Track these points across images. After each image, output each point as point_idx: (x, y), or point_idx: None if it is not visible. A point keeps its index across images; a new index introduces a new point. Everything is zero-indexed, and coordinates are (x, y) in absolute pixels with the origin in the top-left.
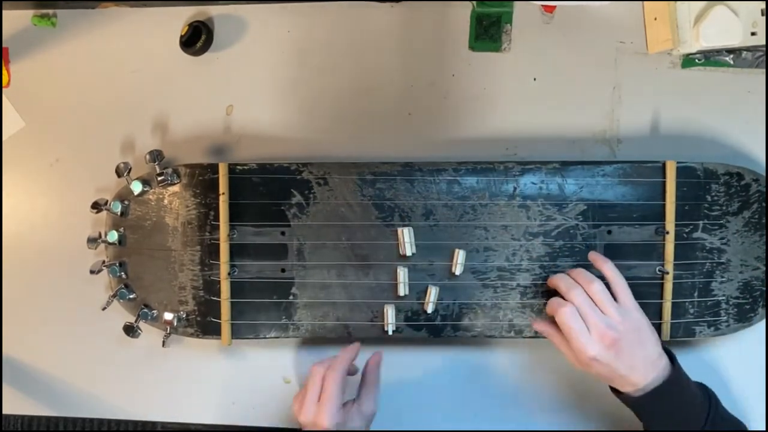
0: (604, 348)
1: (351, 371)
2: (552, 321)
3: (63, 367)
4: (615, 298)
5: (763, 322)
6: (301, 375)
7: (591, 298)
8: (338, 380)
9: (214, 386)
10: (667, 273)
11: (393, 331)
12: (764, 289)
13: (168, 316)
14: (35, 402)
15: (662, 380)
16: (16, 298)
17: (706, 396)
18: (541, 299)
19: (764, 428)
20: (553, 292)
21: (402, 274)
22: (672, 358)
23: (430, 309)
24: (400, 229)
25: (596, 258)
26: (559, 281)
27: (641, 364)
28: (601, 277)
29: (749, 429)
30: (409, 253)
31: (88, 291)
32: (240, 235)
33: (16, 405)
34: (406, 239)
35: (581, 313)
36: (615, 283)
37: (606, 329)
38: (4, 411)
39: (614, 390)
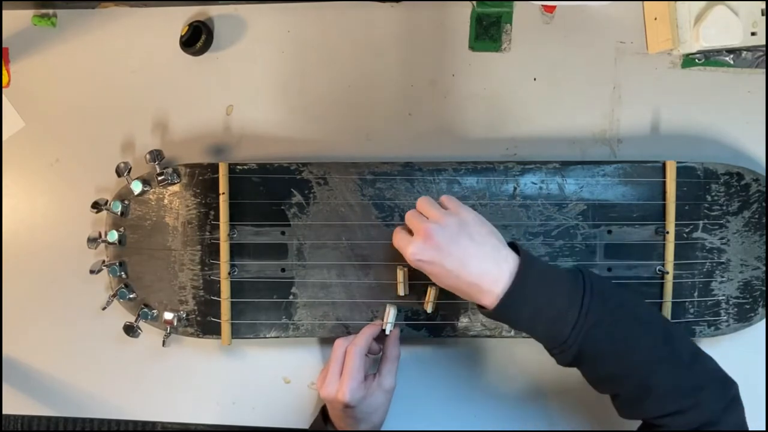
0: (421, 242)
1: (374, 351)
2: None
3: (63, 367)
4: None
5: (763, 322)
6: (301, 375)
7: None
8: (359, 355)
9: (214, 386)
10: (667, 273)
11: (390, 332)
12: (764, 288)
13: (168, 315)
14: (35, 402)
15: (510, 282)
16: (16, 298)
17: (579, 280)
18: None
19: (764, 428)
20: None
21: (402, 273)
22: (517, 250)
23: (430, 308)
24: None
25: (419, 202)
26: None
27: (475, 257)
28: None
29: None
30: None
31: (88, 291)
32: (240, 235)
33: (16, 405)
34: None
35: (410, 225)
36: (443, 198)
37: (421, 225)
38: (4, 411)
39: (480, 308)
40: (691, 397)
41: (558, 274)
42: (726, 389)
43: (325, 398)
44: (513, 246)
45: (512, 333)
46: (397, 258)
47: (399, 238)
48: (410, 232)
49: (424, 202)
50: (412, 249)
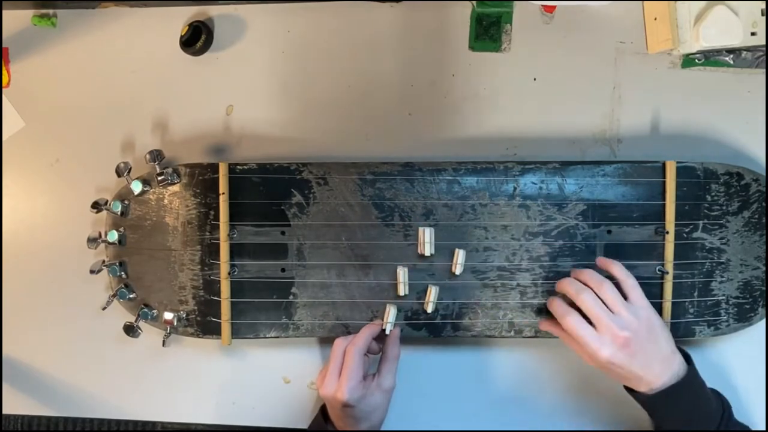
0: (618, 349)
1: (374, 350)
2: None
3: (63, 367)
4: (625, 298)
5: (763, 321)
6: (301, 375)
7: (601, 300)
8: (358, 355)
9: (214, 386)
10: (667, 273)
11: (391, 331)
12: (764, 288)
13: (168, 315)
14: (35, 402)
15: (677, 379)
16: (16, 298)
17: (720, 401)
18: (542, 299)
19: (764, 428)
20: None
21: (402, 273)
22: (687, 359)
23: (430, 308)
24: (421, 229)
25: (605, 262)
26: (568, 286)
27: (656, 363)
28: (611, 278)
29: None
30: (428, 253)
31: (88, 291)
32: (240, 235)
33: (16, 405)
34: (427, 239)
35: (591, 315)
36: (624, 282)
37: (618, 330)
38: (4, 411)
39: (628, 388)
40: None
41: (706, 389)
42: None
43: (324, 397)
44: (682, 351)
45: (512, 333)
46: (398, 258)
47: (583, 331)
48: (582, 313)
49: (608, 291)
50: (608, 353)
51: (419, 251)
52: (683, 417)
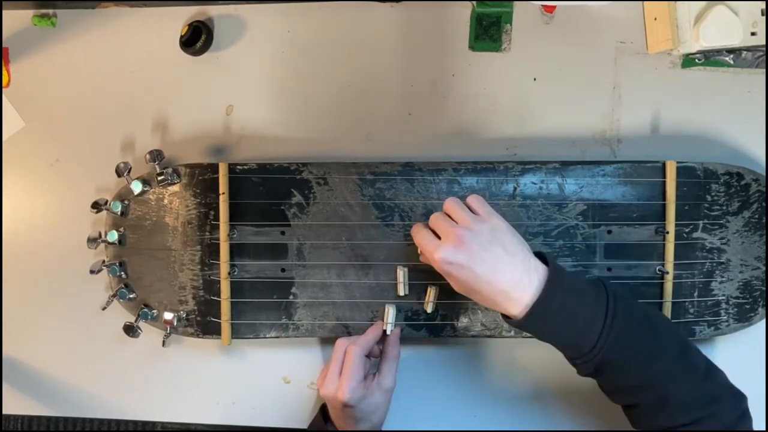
0: (452, 247)
1: (375, 353)
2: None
3: (63, 367)
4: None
5: (763, 321)
6: (301, 375)
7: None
8: (360, 355)
9: (214, 386)
10: (667, 273)
11: (392, 331)
12: (764, 289)
13: (168, 315)
14: (35, 402)
15: (539, 292)
16: (16, 298)
17: (602, 292)
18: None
19: (764, 428)
20: None
21: (402, 273)
22: (544, 260)
23: (430, 309)
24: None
25: (469, 199)
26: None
27: (506, 265)
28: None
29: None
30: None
31: (88, 291)
32: (240, 235)
33: (16, 405)
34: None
35: (434, 226)
36: (470, 200)
37: (452, 229)
38: (4, 411)
39: (505, 317)
40: (707, 408)
41: (583, 284)
42: (739, 401)
43: (325, 397)
44: (540, 256)
45: (512, 333)
46: (398, 258)
47: (424, 240)
48: (435, 234)
49: (453, 205)
50: (443, 253)
51: (421, 259)
52: (563, 324)
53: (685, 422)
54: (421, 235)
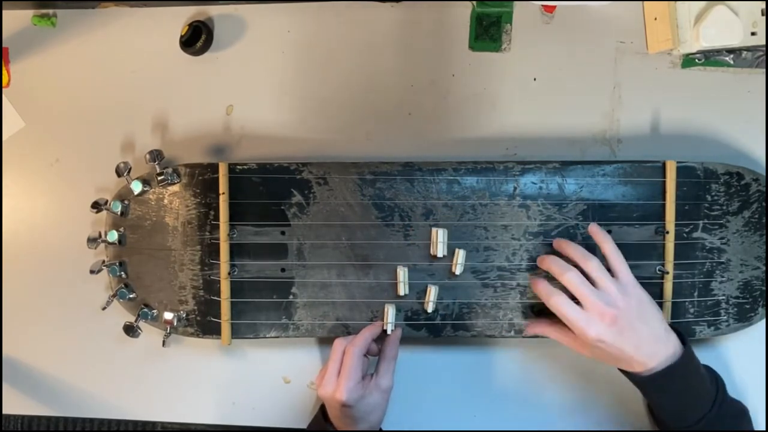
0: (606, 327)
1: (373, 351)
2: (544, 319)
3: (63, 367)
4: (612, 275)
5: (763, 321)
6: (301, 375)
7: (587, 277)
8: (358, 355)
9: (214, 386)
10: (667, 273)
11: (392, 332)
12: (764, 288)
13: (168, 315)
14: (35, 402)
15: (673, 360)
16: (16, 298)
17: (714, 380)
18: (541, 299)
19: (764, 428)
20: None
21: (402, 273)
22: (682, 338)
23: (430, 308)
24: (434, 230)
25: (596, 232)
26: (551, 264)
27: (647, 342)
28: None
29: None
30: (440, 254)
31: (88, 291)
32: (240, 235)
33: (16, 405)
34: (440, 239)
35: (578, 294)
36: (613, 258)
37: (605, 307)
38: (4, 411)
39: (622, 369)
40: None
41: (701, 367)
42: None
43: (323, 397)
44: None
45: (512, 333)
46: (398, 258)
47: (570, 311)
48: (570, 295)
49: (594, 269)
50: (597, 331)
51: (431, 252)
52: (677, 398)
53: None
54: (566, 309)
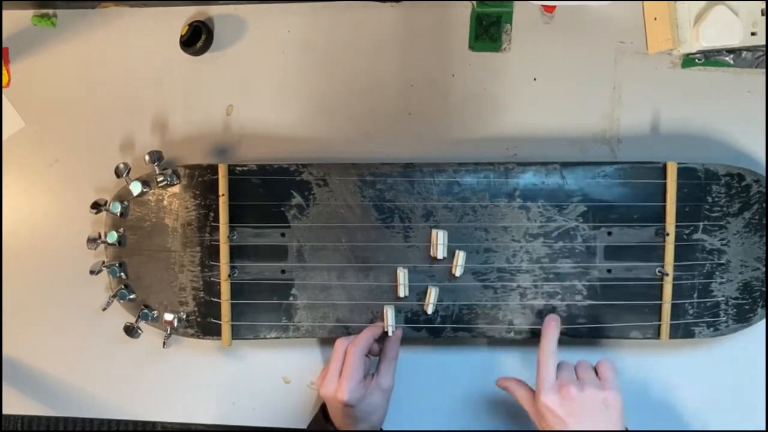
0: (559, 399)
1: (374, 351)
2: (514, 379)
3: (63, 367)
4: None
5: (763, 322)
6: (301, 375)
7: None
8: (359, 355)
9: (214, 386)
10: (667, 274)
11: (393, 332)
12: (763, 289)
13: (168, 316)
14: (35, 402)
15: None
16: (16, 298)
17: None
18: (542, 300)
19: (764, 428)
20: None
21: (402, 275)
22: None
23: (430, 310)
24: (434, 231)
25: (601, 363)
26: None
27: None
28: None
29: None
30: (440, 255)
31: (88, 291)
32: (240, 237)
33: (16, 405)
34: (440, 241)
35: (559, 367)
36: (601, 363)
37: (569, 384)
38: (4, 411)
39: None
40: None
41: None
42: None
43: (325, 397)
44: None
45: (512, 334)
46: (398, 259)
47: (546, 369)
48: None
49: (584, 363)
50: (547, 397)
51: (431, 254)
52: None
53: None
54: (546, 366)
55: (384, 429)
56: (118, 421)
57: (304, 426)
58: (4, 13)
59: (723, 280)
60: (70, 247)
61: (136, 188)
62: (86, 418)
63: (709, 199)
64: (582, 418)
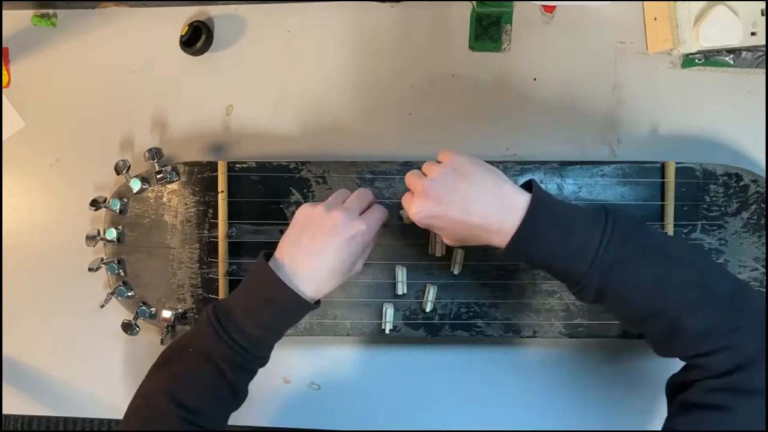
0: (421, 200)
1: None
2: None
3: (63, 366)
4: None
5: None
6: (301, 375)
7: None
8: (380, 218)
9: None
10: None
11: (391, 330)
12: (762, 290)
13: (166, 313)
14: (35, 402)
15: (523, 212)
16: (15, 298)
17: (600, 212)
18: (539, 299)
19: (764, 429)
20: None
21: (400, 273)
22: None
23: (428, 308)
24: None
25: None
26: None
27: (475, 198)
28: None
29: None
30: (438, 253)
31: (87, 289)
32: (239, 233)
33: (16, 405)
34: (438, 239)
35: (409, 185)
36: (441, 152)
37: (418, 181)
38: (4, 411)
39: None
40: (723, 338)
41: (577, 211)
42: (764, 330)
43: (330, 204)
44: (526, 186)
45: (510, 333)
46: (396, 257)
47: (404, 201)
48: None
49: (425, 164)
50: (415, 208)
51: (430, 251)
52: (552, 246)
53: (699, 353)
54: (404, 198)
55: (384, 429)
56: (118, 421)
57: (304, 426)
58: (4, 13)
59: None
60: (70, 246)
61: (135, 185)
62: (86, 418)
63: (707, 199)
64: (450, 197)
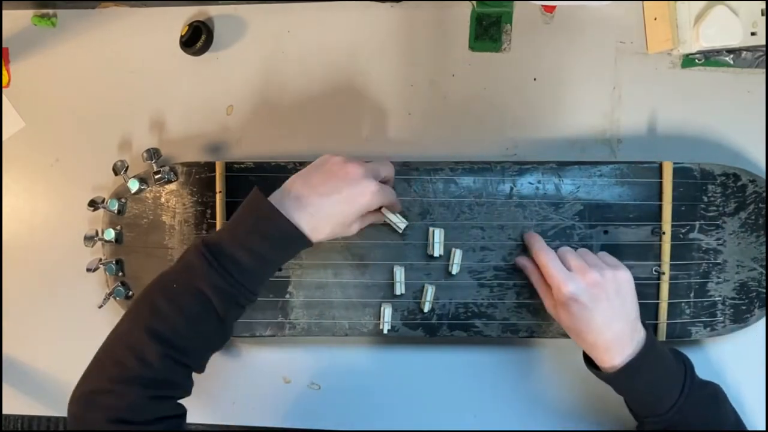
0: (584, 287)
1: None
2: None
3: (63, 366)
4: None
5: (762, 322)
6: (301, 375)
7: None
8: (390, 194)
9: (213, 386)
10: (663, 273)
11: (389, 330)
12: (760, 290)
13: None
14: (35, 402)
15: (639, 347)
16: (15, 298)
17: (681, 361)
18: (537, 300)
19: (764, 429)
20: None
21: (398, 273)
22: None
23: (426, 308)
24: (431, 229)
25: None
26: (538, 242)
27: (618, 321)
28: None
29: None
30: (437, 253)
31: (85, 289)
32: None
33: (16, 405)
34: (437, 239)
35: (566, 260)
36: (600, 254)
37: (588, 268)
38: (4, 411)
39: (590, 365)
40: None
41: (667, 352)
42: None
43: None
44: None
45: (508, 333)
46: (394, 257)
47: (556, 269)
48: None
49: (582, 250)
50: (574, 287)
51: (428, 252)
52: (647, 387)
53: None
54: (551, 262)
55: (381, 429)
56: None
57: (303, 426)
58: (4, 13)
59: (719, 280)
60: (70, 246)
61: (133, 185)
62: None
63: (705, 199)
64: (605, 304)
